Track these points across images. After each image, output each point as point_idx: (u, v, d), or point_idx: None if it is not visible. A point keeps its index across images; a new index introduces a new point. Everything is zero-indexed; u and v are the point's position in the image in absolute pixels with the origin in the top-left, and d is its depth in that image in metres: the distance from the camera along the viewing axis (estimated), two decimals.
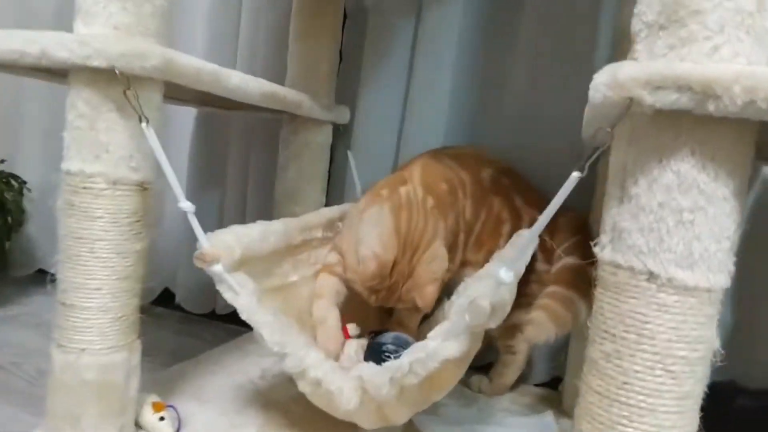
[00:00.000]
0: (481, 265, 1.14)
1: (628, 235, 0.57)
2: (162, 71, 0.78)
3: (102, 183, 0.78)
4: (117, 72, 0.73)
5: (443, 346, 0.73)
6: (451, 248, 1.08)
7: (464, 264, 1.14)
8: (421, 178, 1.07)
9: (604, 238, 0.61)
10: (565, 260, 1.09)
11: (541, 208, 1.20)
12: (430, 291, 0.94)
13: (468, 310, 0.69)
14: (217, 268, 0.82)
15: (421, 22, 1.36)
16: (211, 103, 1.42)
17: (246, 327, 1.45)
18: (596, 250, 0.62)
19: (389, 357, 0.96)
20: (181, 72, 0.82)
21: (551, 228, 1.14)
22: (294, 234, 1.04)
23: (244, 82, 0.98)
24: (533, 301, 1.01)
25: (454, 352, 0.72)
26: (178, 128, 1.65)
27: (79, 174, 0.78)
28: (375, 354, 0.98)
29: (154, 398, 0.94)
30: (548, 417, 1.13)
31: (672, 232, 0.55)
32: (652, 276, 0.56)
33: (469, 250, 1.13)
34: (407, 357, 0.76)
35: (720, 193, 0.54)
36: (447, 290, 1.15)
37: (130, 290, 0.84)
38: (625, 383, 0.57)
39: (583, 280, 1.03)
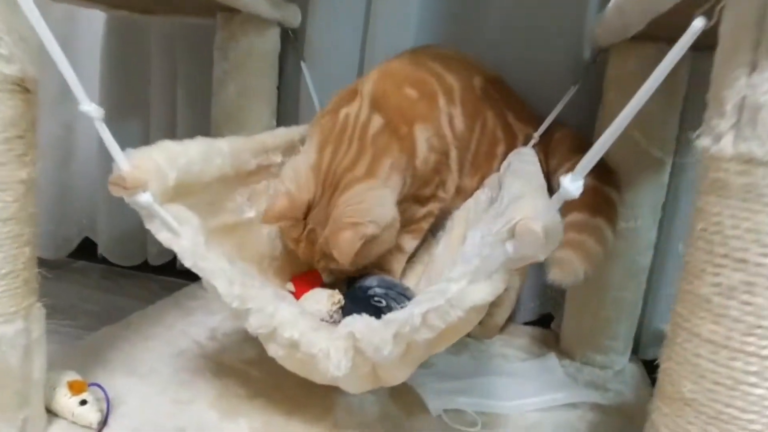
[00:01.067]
0: None
1: None
2: None
3: None
4: None
5: (471, 289, 0.54)
6: (440, 170, 0.89)
7: (458, 193, 0.95)
8: (373, 90, 0.85)
9: (720, 123, 0.42)
10: (570, 164, 0.91)
11: (533, 126, 1.01)
12: (346, 238, 0.74)
13: (514, 239, 0.49)
14: (144, 198, 0.58)
15: None
16: (125, 4, 1.13)
17: (187, 279, 1.23)
18: (701, 142, 0.43)
19: (380, 302, 0.78)
20: None
21: (545, 144, 1.00)
22: (246, 156, 0.80)
23: None
24: None
25: (485, 296, 0.54)
26: (85, 42, 1.37)
27: None
28: (360, 302, 0.79)
29: (71, 376, 0.74)
30: (551, 360, 1.00)
31: None
32: None
33: (465, 173, 0.94)
34: (418, 306, 0.57)
35: None
36: (433, 228, 0.97)
37: (17, 236, 0.60)
38: (758, 327, 0.40)
39: (605, 201, 0.88)
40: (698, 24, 0.38)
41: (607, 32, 0.89)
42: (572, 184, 0.45)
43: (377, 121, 0.83)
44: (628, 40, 0.87)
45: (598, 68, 1.00)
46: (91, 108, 0.56)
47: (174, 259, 1.45)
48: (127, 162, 0.59)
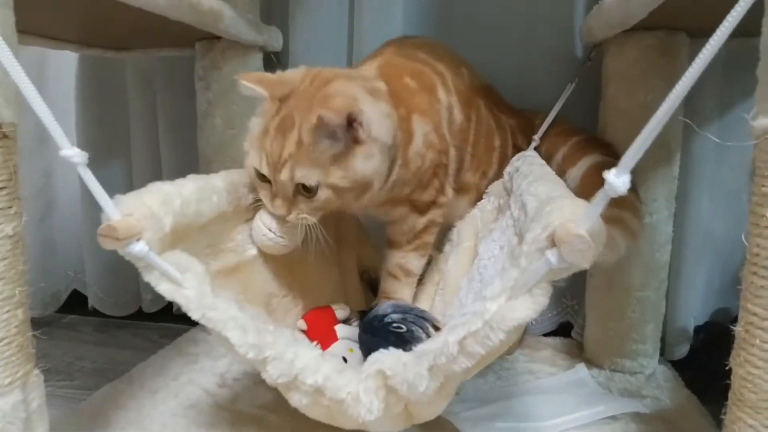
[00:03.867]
0: (481, 192, 0.93)
1: None
2: None
3: None
4: None
5: (511, 307, 0.49)
6: (438, 172, 0.84)
7: (460, 190, 0.91)
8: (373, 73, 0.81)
9: None
10: (587, 160, 0.88)
11: (515, 117, 0.97)
12: (340, 102, 0.66)
13: (558, 247, 0.45)
14: (139, 247, 0.53)
15: None
16: (95, 42, 1.08)
17: (185, 323, 1.17)
18: (759, 122, 0.39)
19: (400, 328, 0.72)
20: None
21: (543, 143, 0.97)
22: (243, 191, 0.75)
23: None
24: None
25: (528, 313, 0.49)
26: (57, 86, 1.32)
27: None
28: (379, 332, 0.74)
29: None
30: (582, 371, 0.96)
31: None
32: None
33: (465, 168, 0.90)
34: (452, 333, 0.52)
35: None
36: (437, 242, 0.93)
37: (7, 298, 0.55)
38: None
39: None
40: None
41: (605, 24, 0.86)
42: (618, 179, 0.41)
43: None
44: (624, 32, 0.85)
45: (594, 65, 0.97)
46: (73, 152, 0.51)
47: (170, 304, 1.39)
48: (117, 210, 0.53)
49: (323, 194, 0.69)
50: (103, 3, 0.65)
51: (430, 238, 0.88)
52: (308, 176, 0.67)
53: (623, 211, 0.79)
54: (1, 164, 0.53)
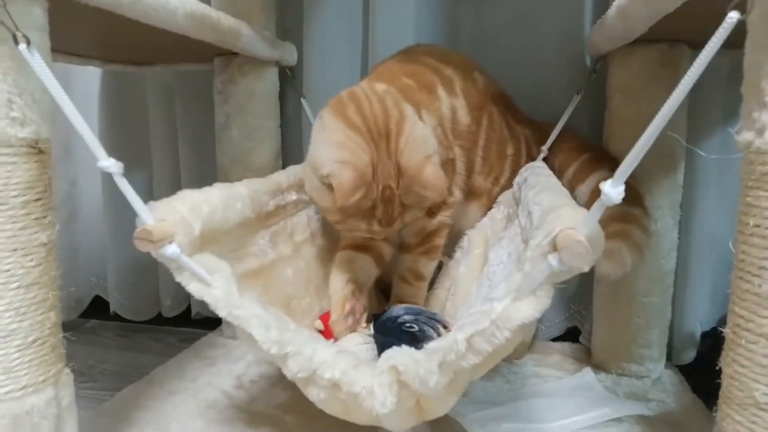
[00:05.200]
0: (492, 199, 0.95)
1: None
2: None
3: None
4: None
5: (516, 307, 0.52)
6: (447, 170, 0.85)
7: (472, 195, 0.93)
8: (369, 81, 0.84)
9: (762, 115, 0.41)
10: (595, 177, 0.91)
11: (530, 128, 1.00)
12: (430, 173, 0.72)
13: (559, 251, 0.48)
14: (172, 250, 0.57)
15: None
16: (118, 57, 1.13)
17: (203, 328, 1.21)
18: (743, 137, 0.42)
19: (412, 327, 0.75)
20: None
21: (551, 154, 1.00)
22: (265, 198, 0.79)
23: None
24: None
25: (532, 313, 0.52)
26: (79, 99, 1.36)
27: None
28: (392, 332, 0.77)
29: None
30: (588, 375, 0.97)
31: None
32: None
33: (476, 171, 0.92)
34: (461, 331, 0.55)
35: None
36: (448, 249, 0.96)
37: (42, 301, 0.58)
38: None
39: (635, 192, 0.87)
40: (733, 17, 0.38)
41: (607, 38, 0.89)
42: (614, 190, 0.44)
43: (384, 88, 0.80)
44: (627, 45, 0.88)
45: (599, 76, 1.00)
46: (110, 163, 0.55)
47: (188, 309, 1.43)
48: (151, 215, 0.58)
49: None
50: (127, 23, 0.69)
51: (440, 241, 0.90)
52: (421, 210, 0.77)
53: (630, 226, 0.81)
54: (37, 177, 0.57)
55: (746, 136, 0.42)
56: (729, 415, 0.45)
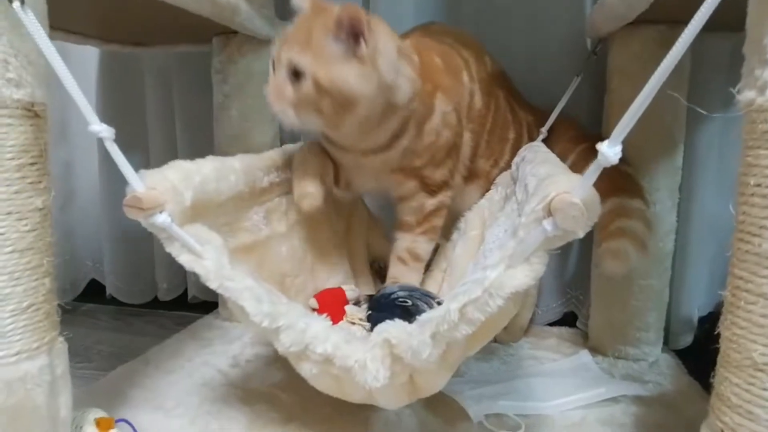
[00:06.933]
0: (491, 180, 0.95)
1: None
2: None
3: None
4: None
5: (510, 274, 0.52)
6: (452, 154, 0.87)
7: (471, 176, 0.93)
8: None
9: (764, 73, 0.40)
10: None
11: (532, 114, 1.00)
12: None
13: (554, 215, 0.47)
14: (162, 218, 0.56)
15: None
16: (116, 37, 1.12)
17: (199, 311, 1.20)
18: (745, 96, 0.42)
19: (406, 302, 0.75)
20: None
21: (549, 137, 0.99)
22: (258, 174, 0.79)
23: None
24: None
25: (525, 280, 0.52)
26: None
27: None
28: (386, 308, 0.77)
29: (97, 413, 0.70)
30: (585, 356, 0.98)
31: None
32: None
33: (479, 154, 0.92)
34: (454, 301, 0.54)
35: None
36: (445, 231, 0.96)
37: (36, 267, 0.58)
38: None
39: (629, 179, 0.87)
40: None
41: (608, 17, 0.88)
42: (610, 150, 0.44)
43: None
44: (627, 26, 0.87)
45: (599, 59, 1.00)
46: (101, 128, 0.55)
47: (185, 293, 1.42)
48: (141, 183, 0.57)
49: (306, 86, 0.69)
50: None
51: (439, 221, 0.90)
52: (300, 60, 0.69)
53: (633, 221, 0.81)
54: (33, 141, 0.56)
55: (748, 94, 0.42)
56: (726, 378, 0.45)
